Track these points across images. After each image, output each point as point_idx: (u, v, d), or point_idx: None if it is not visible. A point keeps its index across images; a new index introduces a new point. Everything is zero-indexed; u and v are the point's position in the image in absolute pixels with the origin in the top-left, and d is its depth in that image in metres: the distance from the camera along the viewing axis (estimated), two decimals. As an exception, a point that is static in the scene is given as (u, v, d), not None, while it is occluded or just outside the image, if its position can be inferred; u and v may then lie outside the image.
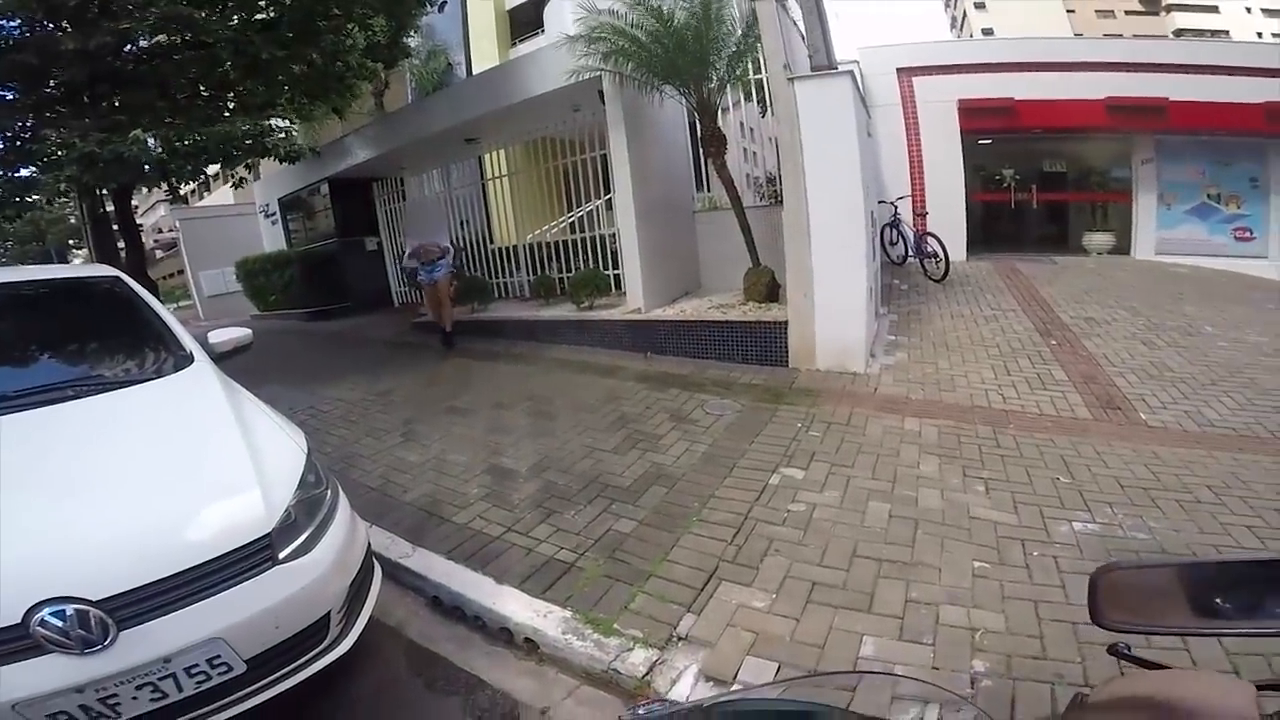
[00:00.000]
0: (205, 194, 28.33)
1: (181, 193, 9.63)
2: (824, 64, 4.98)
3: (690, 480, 3.36)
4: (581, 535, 2.89)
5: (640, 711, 0.84)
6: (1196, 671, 0.54)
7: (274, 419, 2.26)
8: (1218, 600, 0.61)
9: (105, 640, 1.43)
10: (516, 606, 2.41)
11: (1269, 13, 34.82)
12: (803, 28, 5.31)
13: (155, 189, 8.66)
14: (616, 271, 6.79)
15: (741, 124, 7.46)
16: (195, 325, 14.10)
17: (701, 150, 6.62)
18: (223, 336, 2.84)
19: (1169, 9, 37.40)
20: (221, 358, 2.74)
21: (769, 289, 5.79)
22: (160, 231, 34.46)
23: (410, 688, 2.20)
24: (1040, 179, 12.13)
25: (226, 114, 7.54)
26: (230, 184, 10.13)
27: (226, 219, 16.23)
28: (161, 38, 6.34)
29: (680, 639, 2.19)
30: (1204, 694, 0.49)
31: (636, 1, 5.50)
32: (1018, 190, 12.10)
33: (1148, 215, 10.72)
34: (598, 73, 5.73)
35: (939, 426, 3.91)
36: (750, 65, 6.43)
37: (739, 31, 5.63)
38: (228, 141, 7.10)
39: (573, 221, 7.71)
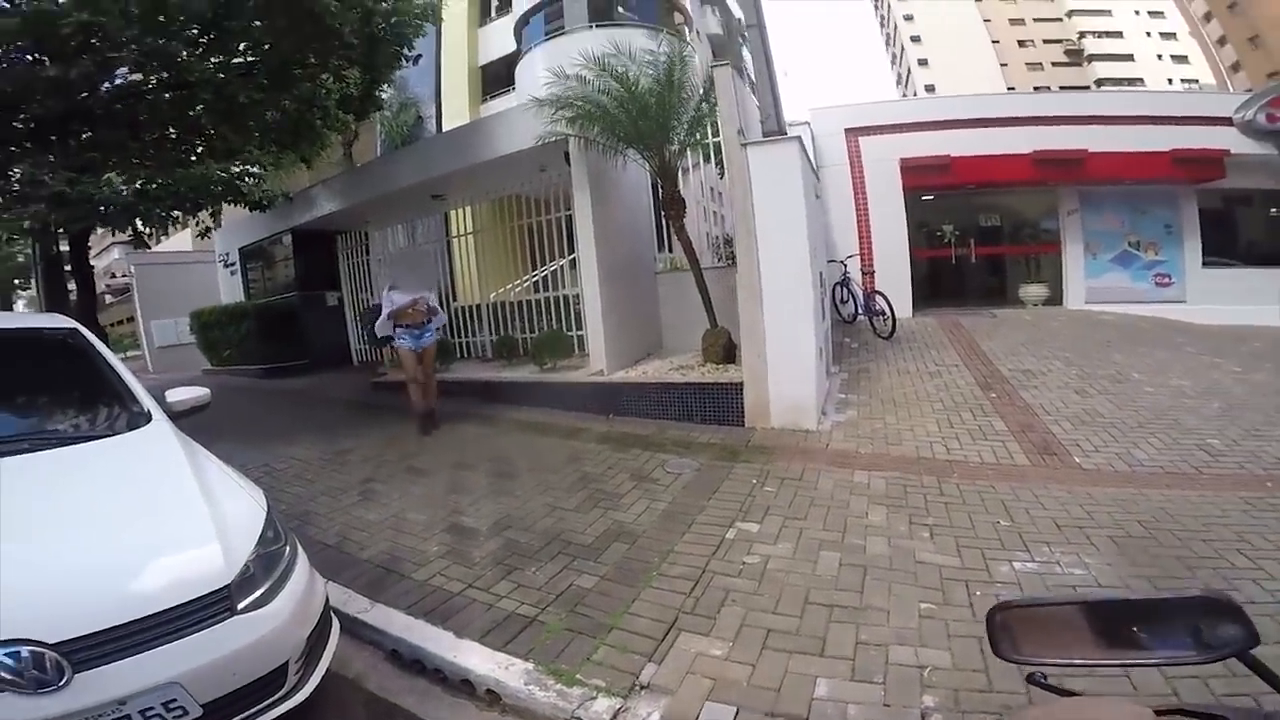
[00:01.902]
0: (163, 237, 27.64)
1: (145, 236, 9.46)
2: (774, 129, 5.33)
3: (650, 536, 3.42)
4: (543, 591, 2.91)
5: None
6: (1101, 698, 0.59)
7: (234, 477, 2.31)
8: (1108, 635, 0.66)
9: (60, 681, 1.48)
10: (478, 659, 2.42)
11: (1177, 59, 38.23)
12: (756, 93, 5.66)
13: (116, 231, 8.45)
14: (580, 332, 6.86)
15: (702, 184, 7.77)
16: (145, 378, 13.48)
17: (663, 212, 6.83)
18: (180, 395, 2.85)
19: (1090, 59, 40.68)
20: (179, 416, 2.74)
21: (726, 350, 5.97)
22: (113, 276, 33.21)
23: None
24: (978, 233, 12.69)
25: (194, 158, 7.51)
26: (197, 232, 9.89)
27: (184, 266, 15.71)
28: (139, 75, 6.30)
29: (642, 687, 2.23)
30: (1112, 719, 0.53)
31: (603, 69, 5.80)
32: (957, 245, 12.62)
33: (1076, 265, 11.31)
34: (564, 136, 5.96)
35: (886, 478, 4.08)
36: (709, 129, 6.75)
37: (698, 97, 5.95)
38: (201, 185, 7.06)
39: (536, 281, 7.77)
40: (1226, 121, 10.50)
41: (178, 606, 1.68)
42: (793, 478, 4.16)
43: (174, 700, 1.60)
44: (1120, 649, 0.65)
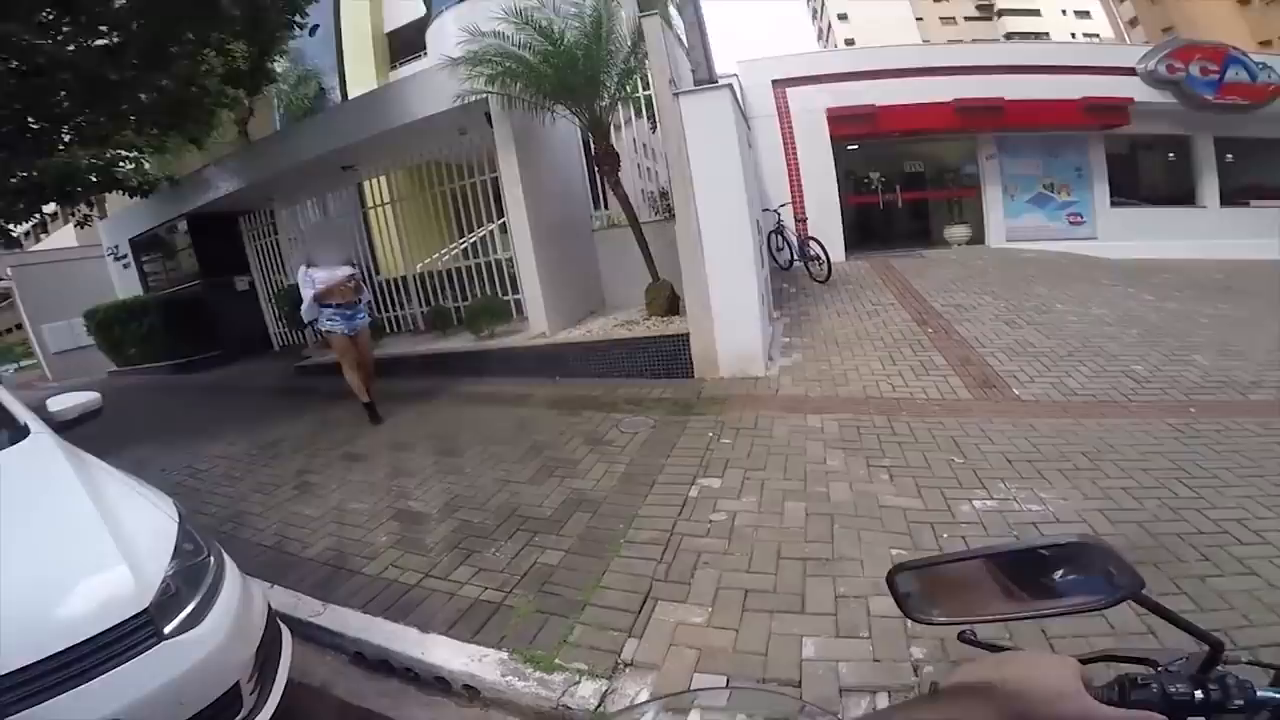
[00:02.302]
0: (42, 236, 24.98)
1: (15, 234, 8.38)
2: (705, 78, 5.15)
3: (613, 502, 3.30)
4: (506, 572, 2.75)
5: None
6: (1029, 652, 0.59)
7: (136, 488, 2.03)
8: (1011, 588, 0.65)
9: None
10: (447, 654, 2.27)
11: (1079, 14, 40.26)
12: (685, 42, 5.46)
13: None
14: (516, 296, 6.64)
15: (634, 140, 7.55)
16: (42, 387, 12.49)
17: (596, 168, 6.62)
18: (65, 403, 2.47)
19: (1000, 14, 42.27)
20: (65, 426, 2.38)
21: (669, 302, 5.88)
22: (-13, 281, 30.01)
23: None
24: (904, 179, 13.17)
25: (62, 147, 6.67)
26: (74, 223, 8.97)
27: (70, 264, 14.47)
28: None
29: (627, 665, 2.13)
30: (1033, 672, 0.52)
31: (525, 22, 5.45)
32: (884, 191, 13.08)
33: (996, 206, 11.86)
34: (484, 95, 5.61)
35: (839, 420, 4.10)
36: (640, 82, 6.53)
37: (626, 48, 5.69)
38: (67, 175, 6.24)
39: (466, 248, 7.45)
40: (1131, 72, 11.17)
41: (92, 639, 1.48)
42: (747, 427, 4.12)
43: None
44: (1026, 601, 0.65)
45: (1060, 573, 0.63)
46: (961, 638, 0.77)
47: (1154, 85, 11.11)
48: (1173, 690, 0.56)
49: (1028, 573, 0.65)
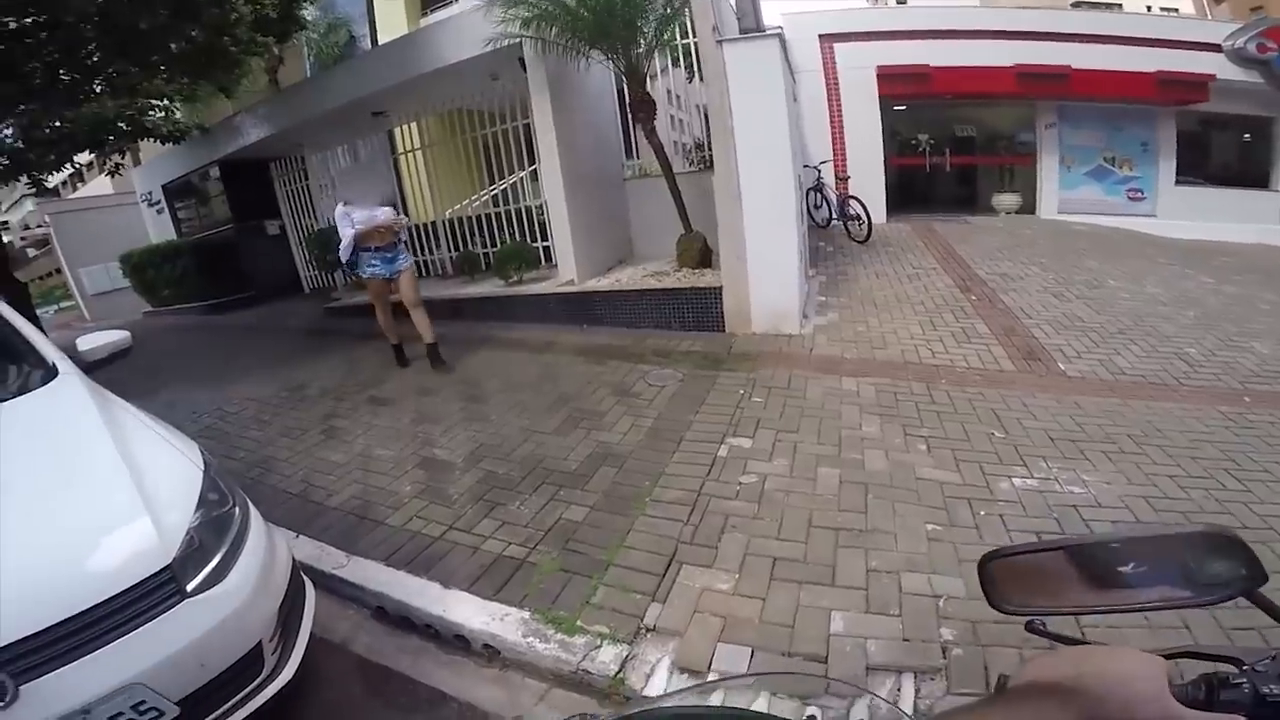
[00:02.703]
0: (79, 184, 25.49)
1: (50, 185, 8.45)
2: (752, 27, 4.88)
3: (639, 458, 3.24)
4: (530, 528, 2.72)
5: None
6: (1109, 647, 0.54)
7: (162, 433, 1.96)
8: (1106, 577, 0.63)
9: (4, 699, 1.26)
10: (469, 611, 2.24)
11: None
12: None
13: (14, 182, 7.53)
14: (546, 244, 6.55)
15: (669, 91, 7.27)
16: (79, 327, 12.83)
17: (630, 116, 6.41)
18: (94, 342, 2.42)
19: None
20: (94, 366, 2.34)
21: (701, 254, 5.73)
22: (28, 228, 30.86)
23: (367, 708, 2.02)
24: (953, 143, 12.60)
25: (93, 97, 6.63)
26: (106, 172, 9.09)
27: (105, 210, 14.79)
28: (10, 19, 5.41)
29: (649, 630, 2.09)
30: (1117, 669, 0.49)
31: None
32: (932, 154, 12.53)
33: (1051, 177, 11.31)
34: (519, 39, 5.39)
35: (875, 385, 3.95)
36: (678, 30, 6.24)
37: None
38: (98, 125, 6.21)
39: (496, 194, 7.35)
40: (1211, 48, 10.43)
41: (113, 598, 1.41)
42: (780, 386, 4.00)
43: (143, 702, 1.38)
44: (1117, 591, 0.62)
45: (1174, 561, 0.60)
46: (1030, 627, 0.73)
47: (1240, 64, 10.37)
48: (1266, 691, 0.51)
49: (1125, 562, 0.61)
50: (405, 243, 5.04)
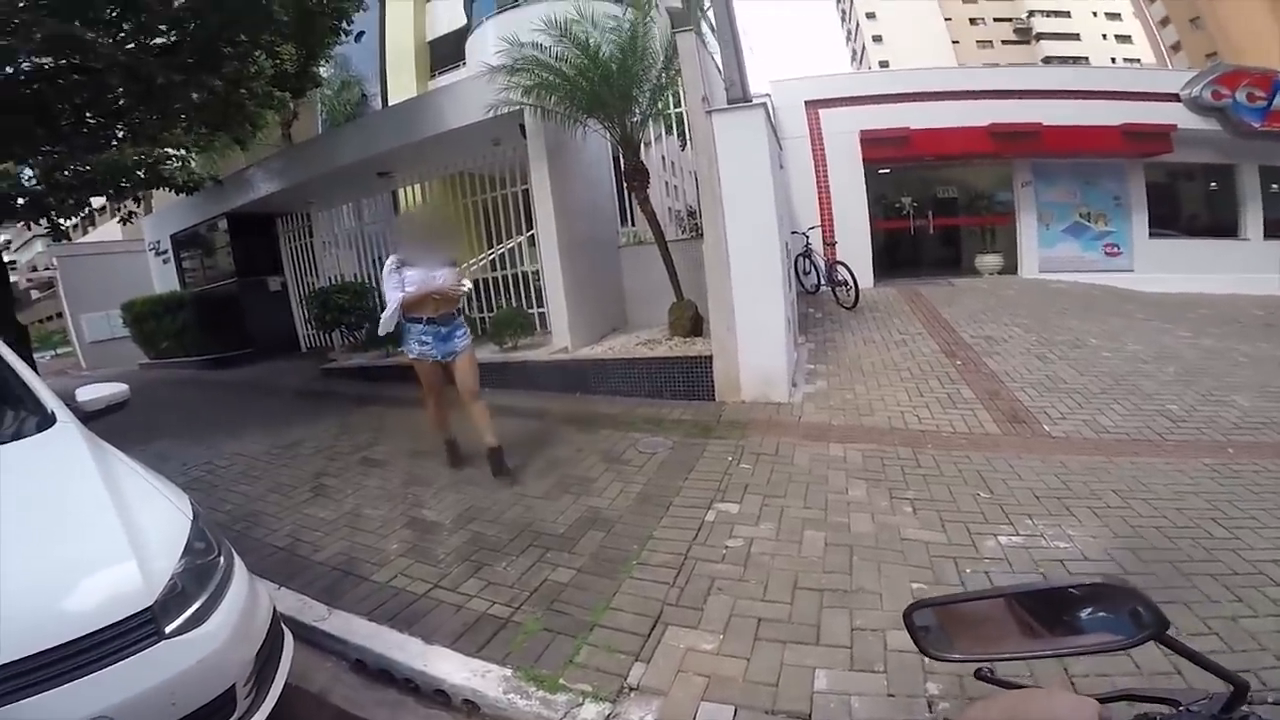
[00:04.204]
0: (90, 229, 25.96)
1: (64, 228, 8.69)
2: (739, 96, 5.14)
3: (627, 522, 3.26)
4: (516, 588, 2.72)
5: None
6: (1045, 690, 0.59)
7: (153, 482, 2.03)
8: (1032, 626, 0.66)
9: None
10: (450, 667, 2.23)
11: (1120, 39, 39.71)
12: (719, 61, 5.48)
13: (34, 224, 7.75)
14: (541, 310, 6.65)
15: (663, 158, 7.58)
16: (76, 374, 12.85)
17: (625, 184, 6.61)
18: (93, 394, 2.49)
19: (1038, 38, 41.78)
20: (91, 416, 2.40)
21: (693, 322, 5.85)
22: (35, 270, 31.22)
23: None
24: (935, 205, 12.99)
25: (115, 143, 6.89)
26: (118, 219, 9.35)
27: (112, 256, 15.01)
28: (47, 60, 5.67)
29: (632, 689, 2.07)
30: (1049, 713, 0.52)
31: (563, 34, 5.51)
32: (915, 217, 12.89)
33: (1030, 235, 11.60)
34: (519, 106, 5.67)
35: (862, 450, 4.01)
36: (671, 99, 6.55)
37: (660, 64, 5.72)
38: (116, 171, 6.43)
39: (493, 259, 7.50)
40: (1173, 98, 10.86)
41: (91, 635, 1.47)
42: (768, 453, 4.05)
43: None
44: (1047, 639, 0.66)
45: (1084, 611, 0.64)
46: (979, 675, 0.77)
47: (1198, 112, 10.79)
48: None
49: (1051, 611, 0.65)
50: (464, 315, 4.07)
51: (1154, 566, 2.57)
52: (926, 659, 1.97)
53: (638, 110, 5.83)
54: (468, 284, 4.05)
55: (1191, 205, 12.71)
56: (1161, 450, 3.91)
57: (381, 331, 4.01)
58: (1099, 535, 2.86)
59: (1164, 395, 4.85)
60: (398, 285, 3.72)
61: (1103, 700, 0.54)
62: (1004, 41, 42.33)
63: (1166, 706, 0.63)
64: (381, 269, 4.10)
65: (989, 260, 11.88)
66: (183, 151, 8.31)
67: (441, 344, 3.84)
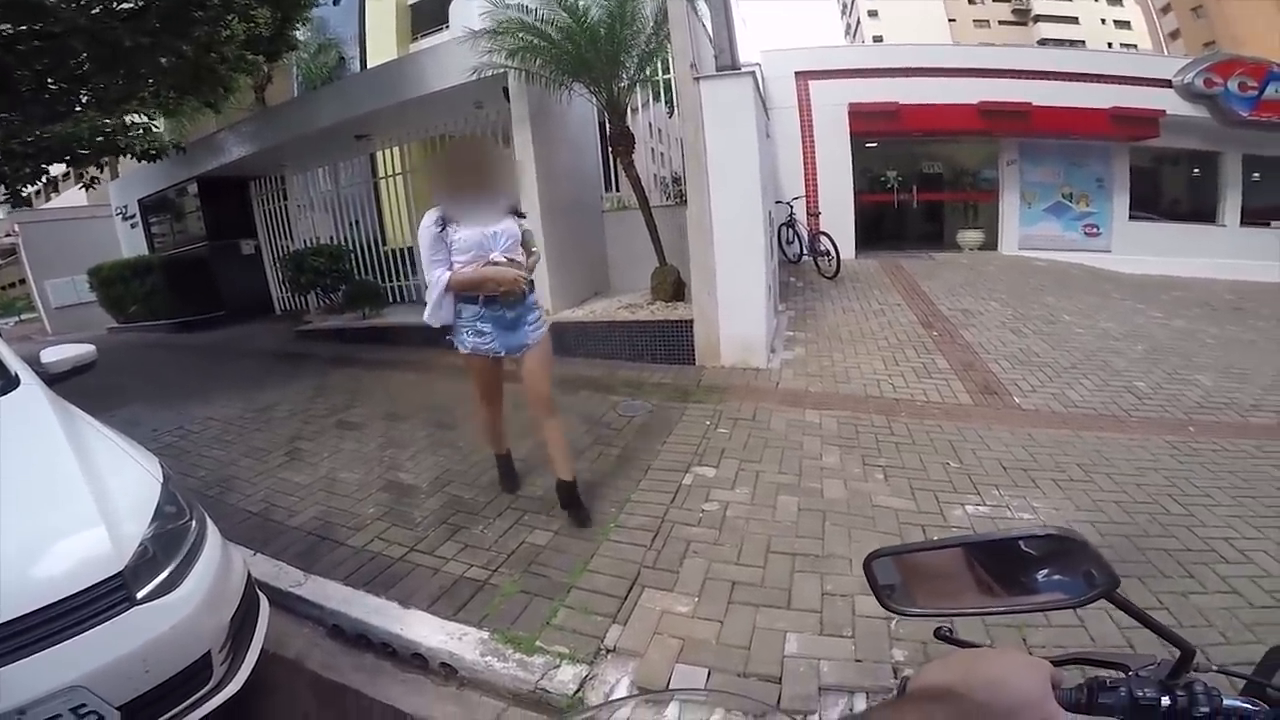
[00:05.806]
0: (53, 195, 25.01)
1: (24, 195, 8.34)
2: (729, 64, 5.07)
3: (606, 485, 3.29)
4: (493, 550, 2.74)
5: None
6: (998, 650, 0.57)
7: (122, 445, 1.98)
8: (991, 580, 0.65)
9: None
10: (427, 630, 2.25)
11: (1119, 24, 39.60)
12: (710, 28, 5.38)
13: None
14: (523, 273, 6.58)
15: (650, 125, 7.47)
16: (42, 339, 12.52)
17: (610, 149, 6.54)
18: (58, 355, 2.43)
19: (1036, 20, 41.42)
20: (57, 379, 2.34)
21: (675, 288, 5.84)
22: (-7, 236, 30.12)
23: (318, 722, 2.00)
24: (920, 180, 13.02)
25: (79, 109, 6.58)
26: (81, 185, 9.01)
27: (77, 222, 14.60)
28: (5, 26, 5.35)
29: (608, 651, 2.11)
30: (1001, 673, 0.51)
31: None
32: (900, 191, 12.94)
33: (1012, 213, 11.68)
34: (504, 69, 5.53)
35: (837, 417, 4.06)
36: (659, 65, 6.44)
37: (649, 29, 5.61)
38: (73, 140, 6.18)
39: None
40: (1164, 84, 10.88)
41: (60, 602, 1.44)
42: (745, 418, 4.09)
43: (83, 705, 1.39)
44: (1002, 596, 0.66)
45: (1039, 569, 0.64)
46: (938, 634, 0.77)
47: (1188, 98, 10.82)
48: (1140, 695, 0.56)
49: (1006, 566, 0.65)
50: (535, 293, 2.90)
51: (1112, 540, 2.65)
52: (893, 624, 2.07)
53: (625, 75, 5.74)
54: (536, 253, 3.01)
55: (1173, 190, 12.86)
56: (1126, 426, 4.02)
57: (431, 322, 2.78)
58: (1061, 508, 2.95)
59: (1132, 372, 4.97)
60: (441, 256, 2.63)
61: (1055, 663, 0.55)
62: (1001, 21, 41.79)
63: (1116, 670, 0.64)
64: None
65: (970, 236, 11.98)
66: (146, 119, 7.97)
67: (506, 334, 2.75)
